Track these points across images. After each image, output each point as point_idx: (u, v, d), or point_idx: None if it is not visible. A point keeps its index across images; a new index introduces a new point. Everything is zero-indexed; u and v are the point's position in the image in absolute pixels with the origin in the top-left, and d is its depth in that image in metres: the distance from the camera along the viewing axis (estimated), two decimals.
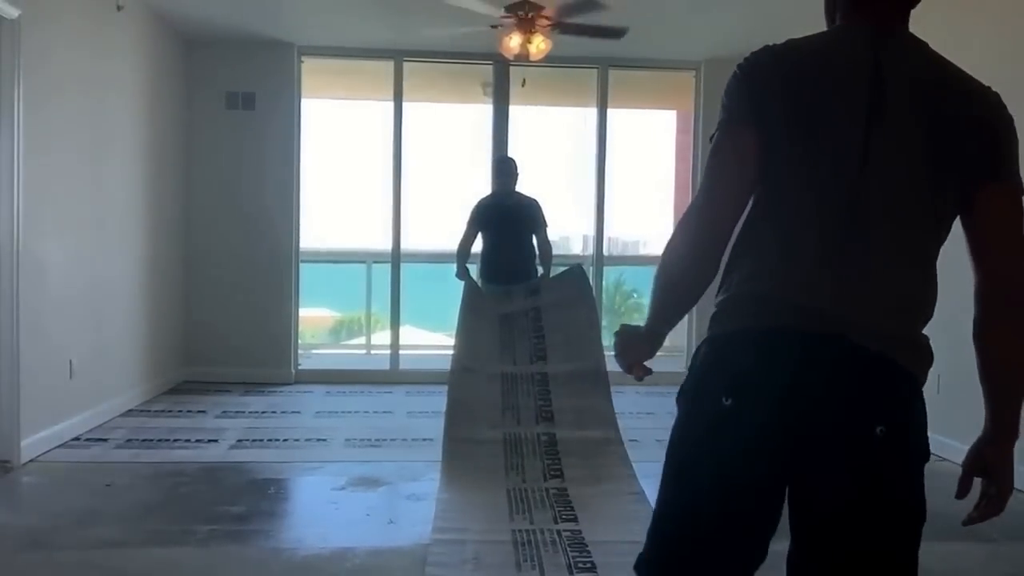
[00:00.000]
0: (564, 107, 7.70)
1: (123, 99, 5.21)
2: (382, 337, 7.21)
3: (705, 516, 1.29)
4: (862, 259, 1.25)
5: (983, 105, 1.30)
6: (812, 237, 1.26)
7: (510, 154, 6.05)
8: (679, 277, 1.36)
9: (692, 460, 1.33)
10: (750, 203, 1.33)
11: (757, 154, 1.29)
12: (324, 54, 6.47)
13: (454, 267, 4.98)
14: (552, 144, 7.67)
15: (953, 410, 4.42)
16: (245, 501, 3.55)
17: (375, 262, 7.15)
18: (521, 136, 6.60)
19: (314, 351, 7.60)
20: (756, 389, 1.26)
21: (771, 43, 1.34)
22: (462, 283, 4.84)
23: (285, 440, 4.64)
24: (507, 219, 4.98)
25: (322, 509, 3.56)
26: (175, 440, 4.56)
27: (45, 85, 4.14)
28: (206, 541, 3.08)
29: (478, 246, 5.15)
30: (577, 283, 4.64)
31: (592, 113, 6.62)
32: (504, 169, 5.14)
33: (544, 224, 5.02)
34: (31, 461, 4.01)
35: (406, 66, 6.44)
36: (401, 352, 6.61)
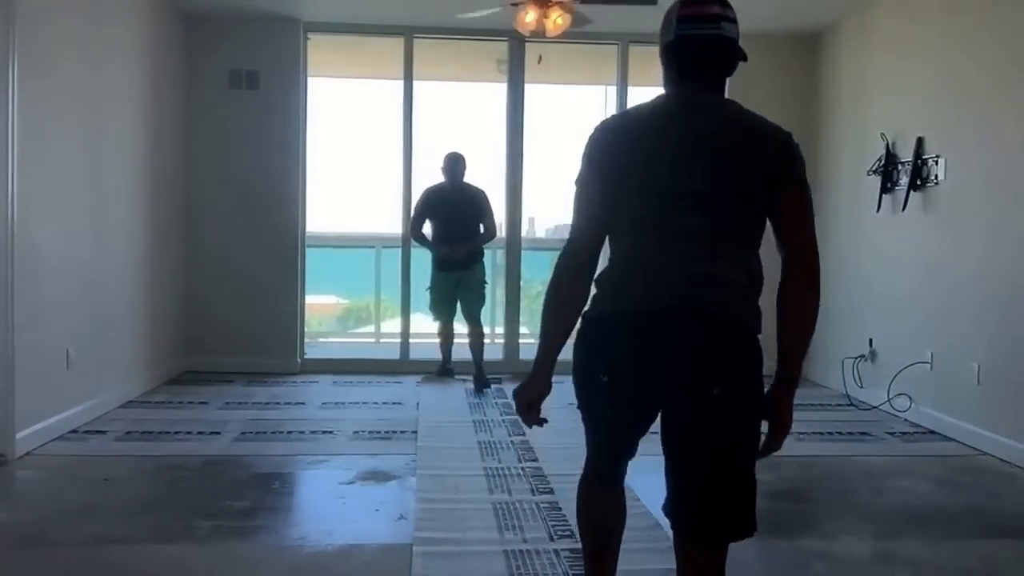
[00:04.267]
0: (582, 85, 7.63)
1: (122, 78, 5.12)
2: (392, 325, 7.19)
3: (607, 420, 1.88)
4: (694, 253, 1.72)
5: (777, 143, 1.79)
6: (651, 245, 1.75)
7: (521, 143, 6.36)
8: (557, 305, 1.84)
9: (592, 398, 1.85)
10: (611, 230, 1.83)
11: (603, 201, 1.80)
12: (331, 30, 6.40)
13: (433, 252, 5.82)
14: (570, 124, 7.59)
15: (994, 404, 4.28)
16: (249, 496, 3.48)
17: (384, 247, 7.10)
18: (537, 115, 6.55)
19: (321, 340, 7.57)
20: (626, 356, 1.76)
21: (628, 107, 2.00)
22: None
23: (290, 432, 4.56)
24: (458, 209, 5.68)
25: (329, 504, 3.48)
26: (176, 432, 4.50)
27: (40, 63, 4.04)
28: (208, 537, 3.03)
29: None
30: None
31: (612, 91, 6.54)
32: (455, 164, 5.72)
33: (490, 212, 5.81)
34: (27, 454, 3.94)
35: (417, 43, 6.34)
36: (411, 341, 6.54)
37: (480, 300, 5.87)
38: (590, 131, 1.89)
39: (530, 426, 1.92)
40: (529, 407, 1.88)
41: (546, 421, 1.91)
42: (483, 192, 5.83)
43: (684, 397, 1.71)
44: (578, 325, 1.84)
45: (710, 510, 1.75)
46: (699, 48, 1.81)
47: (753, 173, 1.75)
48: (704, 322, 1.69)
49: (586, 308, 1.82)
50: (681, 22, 1.82)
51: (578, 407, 1.89)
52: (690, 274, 1.71)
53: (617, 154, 1.80)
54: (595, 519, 2.02)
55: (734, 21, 1.83)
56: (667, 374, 1.71)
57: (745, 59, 1.83)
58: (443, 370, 6.07)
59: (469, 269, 5.77)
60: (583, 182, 1.83)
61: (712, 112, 1.81)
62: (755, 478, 1.77)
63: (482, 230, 5.80)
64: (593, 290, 1.83)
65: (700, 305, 1.69)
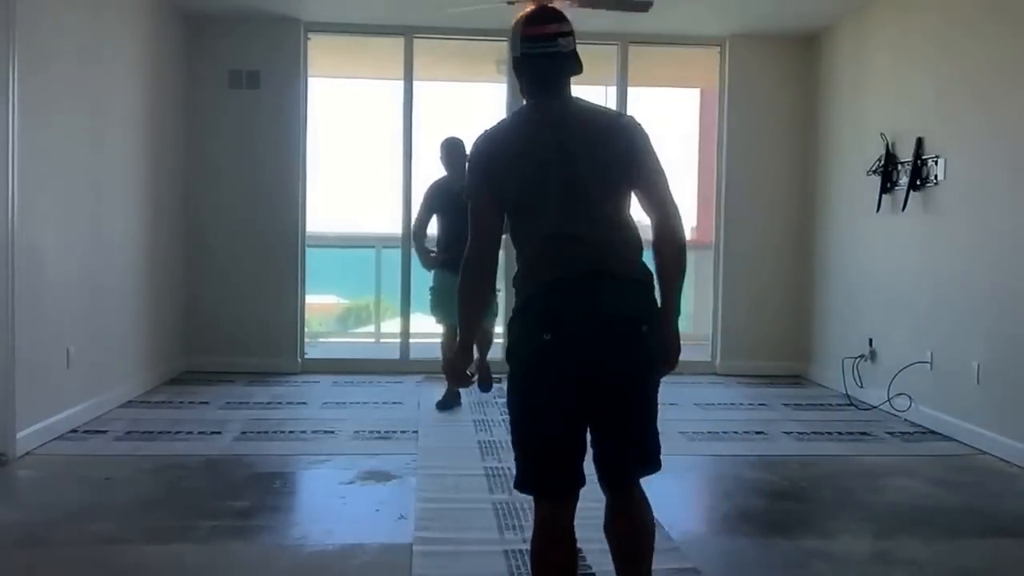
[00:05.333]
0: (582, 86, 7.47)
1: (122, 78, 5.12)
2: (392, 325, 7.17)
3: (551, 427, 1.98)
4: (590, 237, 1.98)
5: (620, 123, 2.08)
6: (553, 229, 1.99)
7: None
8: (475, 287, 2.11)
9: (533, 394, 2.00)
10: (510, 227, 2.09)
11: (496, 208, 2.05)
12: (331, 30, 6.39)
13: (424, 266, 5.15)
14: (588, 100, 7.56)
15: (994, 403, 4.28)
16: (249, 495, 3.48)
17: (384, 247, 7.09)
18: None
19: (321, 339, 7.56)
20: (560, 317, 1.97)
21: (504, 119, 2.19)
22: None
23: (291, 432, 4.55)
24: (462, 205, 4.87)
25: (329, 504, 3.48)
26: (176, 432, 4.49)
27: (40, 63, 4.03)
28: (208, 537, 3.01)
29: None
30: None
31: (612, 92, 6.53)
32: (454, 150, 4.96)
33: None
34: (27, 454, 3.93)
35: (417, 43, 6.33)
36: (411, 340, 6.52)
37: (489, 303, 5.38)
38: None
39: (460, 387, 2.37)
40: (462, 374, 2.23)
41: (473, 377, 2.30)
42: None
43: (618, 340, 1.94)
44: (514, 309, 2.06)
45: (647, 447, 2.03)
46: (542, 64, 2.06)
47: (613, 156, 2.01)
48: (613, 280, 1.96)
49: (515, 305, 2.04)
50: (524, 41, 2.06)
51: (516, 396, 2.02)
52: (587, 247, 1.97)
53: (500, 164, 2.05)
54: (558, 570, 2.03)
55: (570, 34, 2.07)
56: (599, 323, 1.93)
57: (581, 69, 2.10)
58: (451, 394, 5.16)
59: None
60: (475, 192, 2.06)
61: (567, 114, 2.07)
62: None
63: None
64: (515, 287, 2.06)
65: (606, 268, 1.96)
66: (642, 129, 2.07)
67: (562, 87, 2.07)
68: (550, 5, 4.76)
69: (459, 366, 2.20)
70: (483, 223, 2.05)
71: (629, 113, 2.15)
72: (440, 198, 5.04)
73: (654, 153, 2.05)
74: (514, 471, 2.07)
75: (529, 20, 2.07)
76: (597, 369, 1.93)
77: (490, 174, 2.05)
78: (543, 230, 2.00)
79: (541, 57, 2.05)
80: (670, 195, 2.05)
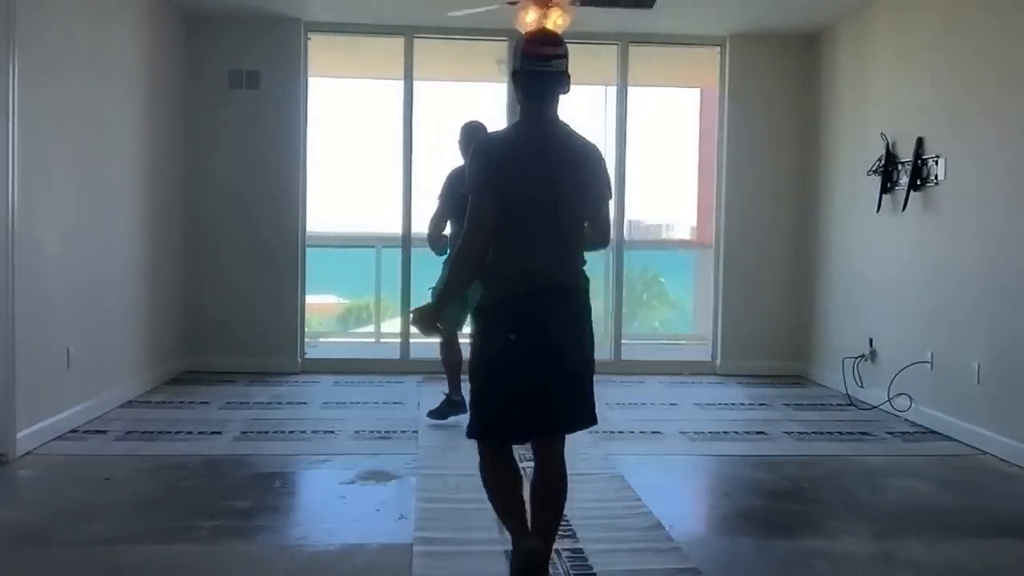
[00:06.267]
0: (582, 85, 7.47)
1: (122, 77, 5.12)
2: (392, 325, 7.15)
3: (512, 388, 2.44)
4: (556, 250, 2.44)
5: (593, 155, 2.51)
6: (531, 241, 2.41)
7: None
8: (467, 274, 2.51)
9: (496, 366, 2.46)
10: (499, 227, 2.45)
11: (495, 211, 2.39)
12: (331, 30, 6.38)
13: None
14: (570, 123, 7.49)
15: (994, 403, 4.28)
16: (250, 495, 3.47)
17: (385, 247, 7.07)
18: None
19: (321, 339, 7.54)
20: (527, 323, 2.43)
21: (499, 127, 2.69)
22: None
23: (291, 432, 4.55)
24: None
25: (330, 504, 3.47)
26: (177, 432, 4.48)
27: (40, 63, 4.03)
28: (209, 537, 3.01)
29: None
30: None
31: (612, 92, 6.51)
32: (476, 135, 4.50)
33: None
34: (27, 454, 3.92)
35: (417, 43, 6.33)
36: (412, 341, 6.49)
37: None
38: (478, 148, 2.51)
39: (427, 334, 2.72)
40: (432, 324, 2.59)
41: (440, 329, 2.78)
42: None
43: (567, 335, 2.45)
44: (485, 303, 2.50)
45: (584, 408, 2.51)
46: (536, 80, 2.43)
47: (585, 179, 2.47)
48: (566, 291, 2.45)
49: (483, 295, 2.50)
50: (524, 57, 2.43)
51: (480, 379, 2.50)
52: (553, 260, 2.43)
53: (496, 168, 2.42)
54: (504, 482, 2.55)
55: (564, 56, 2.43)
56: (555, 323, 2.42)
57: (570, 88, 2.46)
58: (451, 403, 4.78)
59: None
60: (482, 191, 2.41)
61: (553, 135, 2.46)
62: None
63: None
64: (487, 279, 2.48)
65: (562, 280, 2.44)
66: (603, 160, 2.55)
67: (551, 101, 2.45)
68: (553, 5, 4.81)
69: (433, 316, 2.57)
70: (486, 223, 2.40)
71: (593, 142, 2.55)
72: (457, 190, 4.45)
73: (608, 179, 2.58)
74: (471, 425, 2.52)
75: (530, 40, 2.47)
76: (550, 358, 2.41)
77: (496, 183, 2.40)
78: (519, 245, 2.41)
79: (536, 73, 2.41)
80: (608, 215, 2.62)
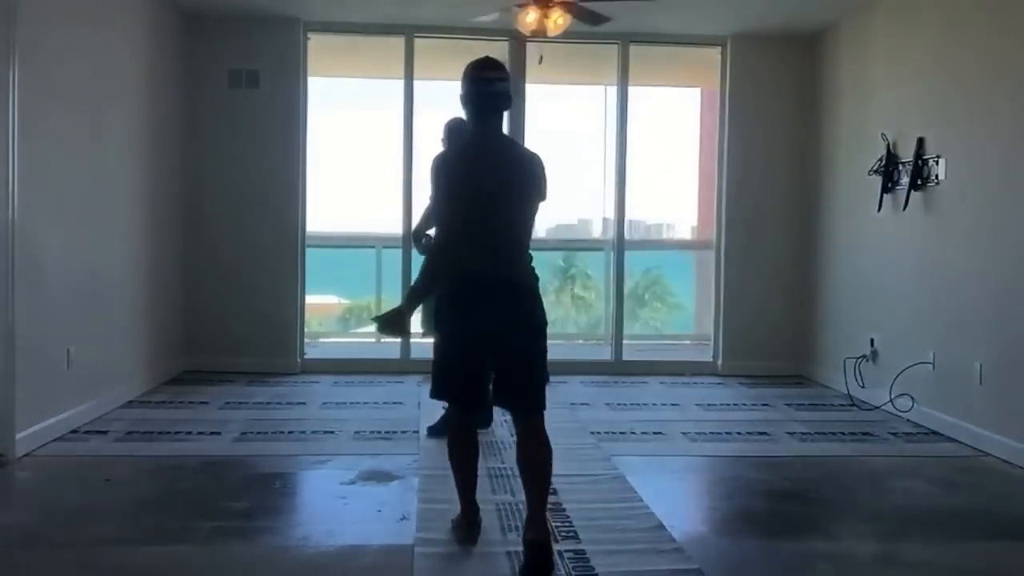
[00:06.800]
0: (583, 85, 7.61)
1: (122, 77, 5.11)
2: None
3: (456, 360, 2.83)
4: (503, 248, 2.79)
5: (534, 163, 2.87)
6: (482, 240, 2.74)
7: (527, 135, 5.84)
8: (435, 280, 2.80)
9: (447, 338, 2.84)
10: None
11: (462, 216, 2.74)
12: (331, 30, 6.36)
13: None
14: (570, 123, 7.59)
15: (997, 404, 4.26)
16: (249, 496, 3.47)
17: (385, 247, 7.06)
18: (538, 115, 6.49)
19: (321, 340, 7.53)
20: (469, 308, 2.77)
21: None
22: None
23: (291, 432, 4.54)
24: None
25: (330, 505, 3.47)
26: (176, 433, 4.47)
27: (41, 62, 4.02)
28: (208, 538, 3.01)
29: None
30: None
31: (612, 91, 6.50)
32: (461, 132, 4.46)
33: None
34: (27, 455, 3.91)
35: (417, 43, 6.32)
36: (412, 341, 6.44)
37: None
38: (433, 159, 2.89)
39: (393, 335, 3.17)
40: (400, 326, 2.77)
41: (408, 334, 2.97)
42: (538, 157, 4.83)
43: (508, 325, 2.75)
44: (444, 295, 2.83)
45: (535, 391, 2.79)
46: (482, 100, 2.83)
47: (529, 187, 2.81)
48: (511, 285, 2.77)
49: (446, 290, 2.81)
50: (471, 82, 2.82)
51: (435, 357, 2.87)
52: (499, 256, 2.75)
53: (455, 177, 2.78)
54: (464, 457, 2.95)
55: (506, 80, 2.86)
56: (499, 314, 2.73)
57: (511, 104, 2.88)
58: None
59: None
60: (439, 198, 2.82)
61: (501, 147, 2.88)
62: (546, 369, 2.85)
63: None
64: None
65: (507, 275, 2.76)
66: (544, 168, 2.87)
67: (497, 116, 2.87)
68: (557, 1, 4.81)
69: (398, 320, 2.76)
70: (454, 223, 2.75)
71: (535, 152, 2.92)
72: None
73: (546, 185, 2.87)
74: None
75: (476, 67, 2.84)
76: (492, 345, 2.75)
77: (448, 185, 2.78)
78: (472, 243, 2.72)
79: (484, 94, 2.81)
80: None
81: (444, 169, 2.83)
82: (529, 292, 2.82)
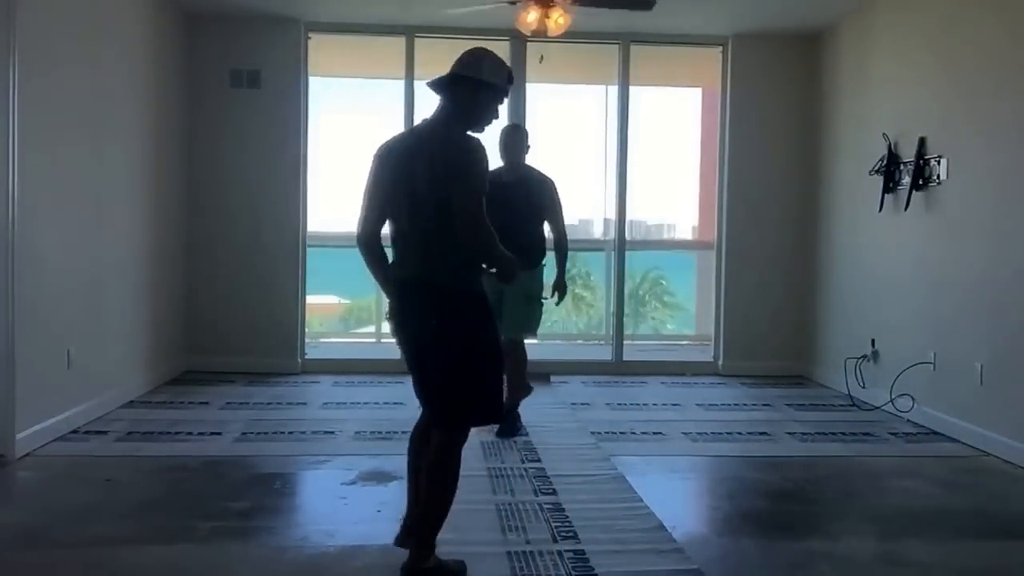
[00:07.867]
0: (584, 85, 7.61)
1: (123, 77, 5.10)
2: None
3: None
4: (418, 247, 2.60)
5: (451, 149, 2.55)
6: (400, 239, 2.64)
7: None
8: (373, 261, 2.75)
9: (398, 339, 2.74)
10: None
11: (379, 202, 2.67)
12: (332, 30, 6.37)
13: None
14: (571, 124, 7.58)
15: (997, 404, 4.26)
16: (249, 496, 3.46)
17: (386, 247, 7.00)
18: (539, 115, 6.50)
19: (322, 340, 7.52)
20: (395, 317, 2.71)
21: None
22: None
23: (291, 433, 4.54)
24: (509, 199, 3.96)
25: (330, 505, 3.46)
26: (177, 433, 4.47)
27: (41, 63, 4.02)
28: (209, 538, 3.01)
29: None
30: None
31: (613, 91, 6.50)
32: (515, 138, 4.49)
33: (559, 206, 4.49)
34: (27, 455, 3.91)
35: (418, 42, 6.32)
36: None
37: (528, 321, 4.43)
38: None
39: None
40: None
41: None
42: (550, 180, 4.53)
43: (418, 331, 2.61)
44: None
45: (439, 404, 2.64)
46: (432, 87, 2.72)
47: (438, 173, 2.53)
48: (425, 287, 2.57)
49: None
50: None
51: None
52: (414, 256, 2.60)
53: (372, 171, 2.69)
54: (409, 453, 2.81)
55: (461, 72, 2.68)
56: (414, 316, 2.60)
57: (454, 86, 2.67)
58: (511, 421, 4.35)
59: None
60: (368, 187, 2.70)
61: (420, 134, 2.66)
62: (473, 386, 2.59)
63: (546, 230, 4.56)
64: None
65: (422, 277, 2.58)
66: (469, 155, 2.60)
67: (443, 106, 2.67)
68: (558, 1, 4.80)
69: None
70: (365, 223, 2.69)
71: (467, 141, 2.64)
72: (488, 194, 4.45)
73: (466, 175, 2.59)
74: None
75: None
76: (410, 349, 2.66)
77: (376, 176, 2.69)
78: (395, 244, 2.65)
79: (430, 85, 2.71)
80: (467, 213, 2.53)
81: (378, 158, 2.71)
82: (445, 295, 2.54)
